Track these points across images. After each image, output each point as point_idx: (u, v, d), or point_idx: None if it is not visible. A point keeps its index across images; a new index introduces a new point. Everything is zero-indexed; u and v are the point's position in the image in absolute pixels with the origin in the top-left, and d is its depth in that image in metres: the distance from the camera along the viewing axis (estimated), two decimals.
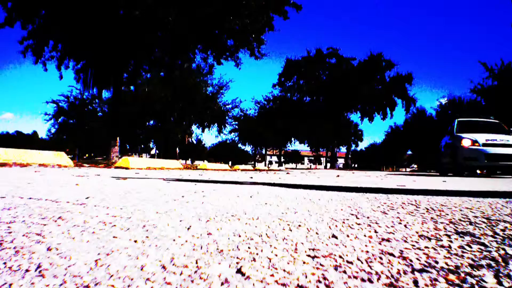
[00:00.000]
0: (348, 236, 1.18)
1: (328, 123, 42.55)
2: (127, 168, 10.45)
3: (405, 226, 1.35)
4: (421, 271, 0.81)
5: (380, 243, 1.07)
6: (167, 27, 14.51)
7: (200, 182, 4.28)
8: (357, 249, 1.01)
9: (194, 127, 41.14)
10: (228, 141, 57.06)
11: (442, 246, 1.03)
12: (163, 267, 0.83)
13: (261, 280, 0.74)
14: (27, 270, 0.79)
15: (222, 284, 0.72)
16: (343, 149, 53.42)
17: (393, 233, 1.21)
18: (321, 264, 0.85)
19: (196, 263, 0.86)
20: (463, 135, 9.60)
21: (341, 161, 63.48)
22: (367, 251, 0.98)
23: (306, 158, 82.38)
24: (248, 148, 54.54)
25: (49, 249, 0.96)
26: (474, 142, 9.16)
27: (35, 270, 0.79)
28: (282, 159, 57.06)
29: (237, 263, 0.86)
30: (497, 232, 1.23)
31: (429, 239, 1.13)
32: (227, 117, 42.14)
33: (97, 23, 13.92)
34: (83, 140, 40.38)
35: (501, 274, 0.79)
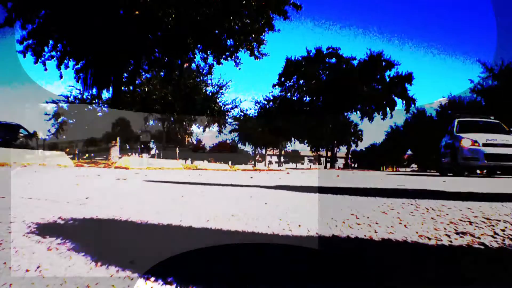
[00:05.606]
0: (348, 236, 1.18)
1: (328, 123, 42.52)
2: (127, 168, 10.43)
3: (405, 226, 1.35)
4: None
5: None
6: (167, 27, 14.49)
7: (200, 182, 4.28)
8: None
9: (194, 127, 41.09)
10: (228, 141, 57.02)
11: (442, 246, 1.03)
12: None
13: None
14: (26, 270, 0.79)
15: None
16: (343, 149, 53.38)
17: (393, 233, 1.21)
18: None
19: None
20: (463, 135, 9.58)
21: (341, 161, 63.36)
22: None
23: (306, 158, 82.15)
24: (248, 148, 54.37)
25: (49, 249, 0.97)
26: (474, 142, 9.14)
27: (35, 271, 0.79)
28: (282, 159, 56.94)
29: None
30: (497, 232, 1.23)
31: (429, 239, 1.13)
32: (227, 117, 42.10)
33: (97, 23, 13.90)
34: (83, 140, 40.36)
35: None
